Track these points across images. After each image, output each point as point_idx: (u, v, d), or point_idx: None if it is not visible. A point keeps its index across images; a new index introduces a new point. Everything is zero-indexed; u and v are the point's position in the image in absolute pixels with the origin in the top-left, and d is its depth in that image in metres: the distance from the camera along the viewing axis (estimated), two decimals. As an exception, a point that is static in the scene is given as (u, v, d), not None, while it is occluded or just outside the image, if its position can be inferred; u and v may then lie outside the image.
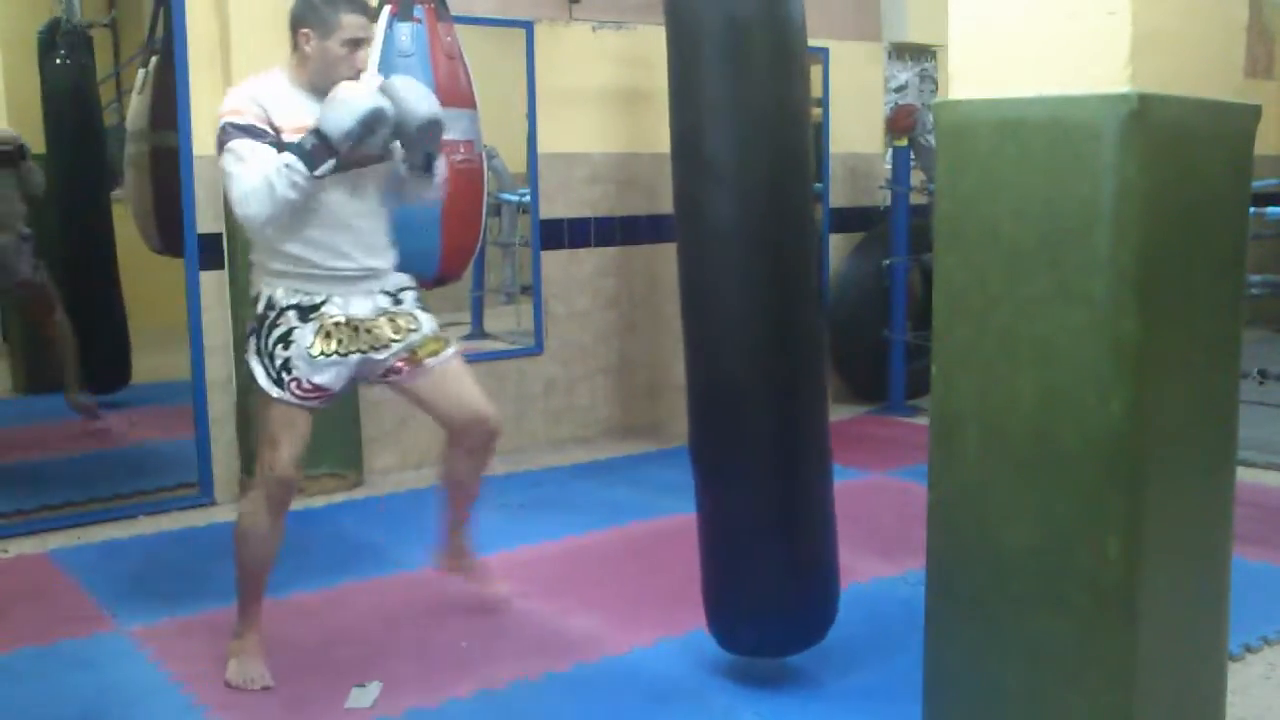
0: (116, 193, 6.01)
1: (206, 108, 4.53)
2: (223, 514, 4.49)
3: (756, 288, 2.73)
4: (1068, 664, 2.19)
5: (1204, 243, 2.22)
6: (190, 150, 4.50)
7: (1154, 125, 2.04)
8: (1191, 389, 2.24)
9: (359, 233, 2.95)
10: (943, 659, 2.41)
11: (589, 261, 5.64)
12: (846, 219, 6.54)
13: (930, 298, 2.38)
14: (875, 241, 6.38)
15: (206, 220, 4.56)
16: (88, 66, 5.96)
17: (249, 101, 2.83)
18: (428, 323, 3.08)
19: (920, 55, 6.75)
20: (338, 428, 4.79)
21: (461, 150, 3.78)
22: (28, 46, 6.20)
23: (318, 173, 2.74)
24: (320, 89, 2.85)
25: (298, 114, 2.84)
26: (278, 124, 2.81)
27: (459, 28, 4.04)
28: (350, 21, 2.83)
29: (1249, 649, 3.11)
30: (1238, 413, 2.42)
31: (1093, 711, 2.19)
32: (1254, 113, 2.32)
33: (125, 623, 3.40)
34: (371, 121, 2.75)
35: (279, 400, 2.88)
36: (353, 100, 2.74)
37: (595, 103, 5.56)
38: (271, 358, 2.87)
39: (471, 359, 5.41)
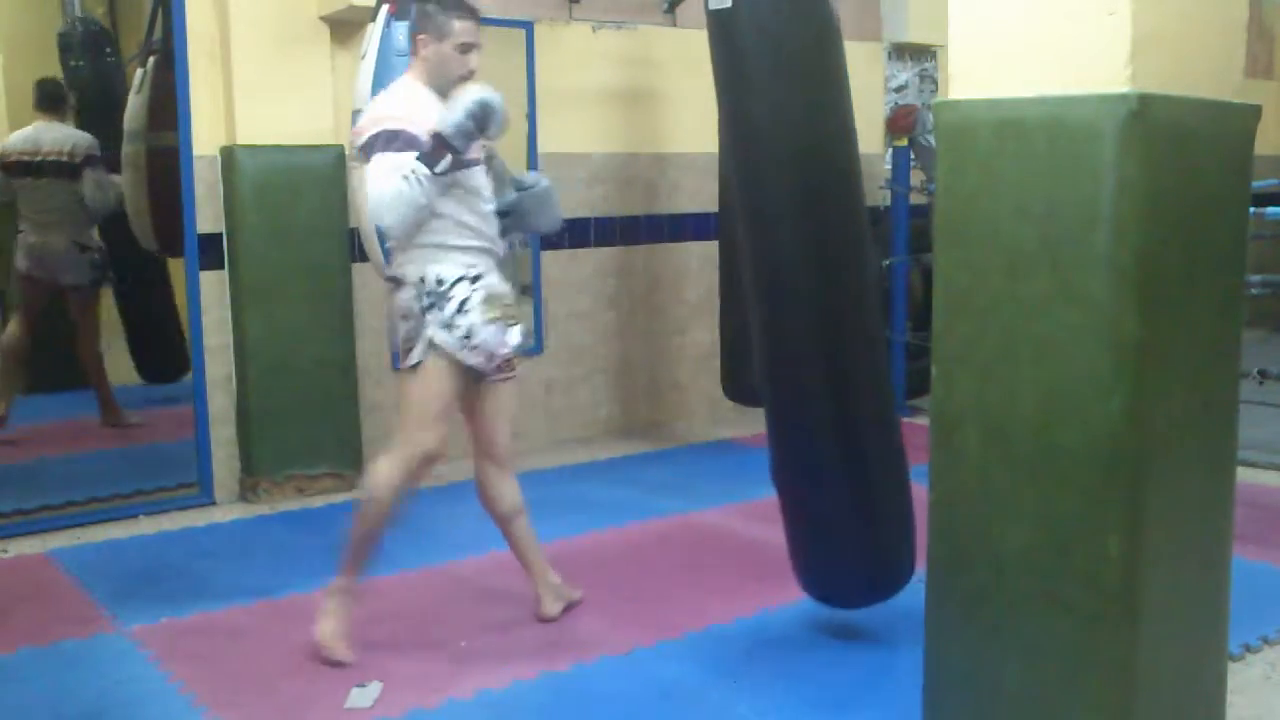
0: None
1: (206, 108, 4.54)
2: (223, 514, 4.50)
3: (811, 253, 2.88)
4: (1068, 664, 2.19)
5: (1204, 242, 2.22)
6: (190, 150, 4.51)
7: (1154, 125, 2.04)
8: (1191, 389, 2.24)
9: (493, 219, 3.17)
10: (943, 659, 2.41)
11: (589, 261, 5.64)
12: (846, 219, 6.54)
13: (930, 298, 2.38)
14: (875, 241, 6.37)
15: (206, 220, 4.56)
16: (115, 64, 5.97)
17: (394, 109, 3.01)
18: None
19: (920, 55, 6.76)
20: (338, 428, 4.79)
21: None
22: (27, 46, 6.21)
23: (438, 169, 2.91)
24: (440, 90, 3.07)
25: (432, 111, 3.01)
26: (422, 121, 2.97)
27: (459, 28, 4.04)
28: (462, 27, 3.07)
29: (1249, 649, 3.11)
30: (1238, 412, 2.42)
31: (1093, 711, 2.19)
32: (1254, 113, 2.32)
33: (125, 623, 3.40)
34: (479, 113, 2.93)
35: (454, 364, 3.05)
36: (462, 98, 2.95)
37: (595, 103, 5.57)
38: (452, 326, 3.03)
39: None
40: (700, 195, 5.81)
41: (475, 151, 3.09)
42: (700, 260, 5.89)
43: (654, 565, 3.87)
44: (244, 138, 4.53)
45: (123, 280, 5.85)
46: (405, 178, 2.89)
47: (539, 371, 5.52)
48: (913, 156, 6.22)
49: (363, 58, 4.05)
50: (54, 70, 5.92)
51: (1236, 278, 2.35)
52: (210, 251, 4.58)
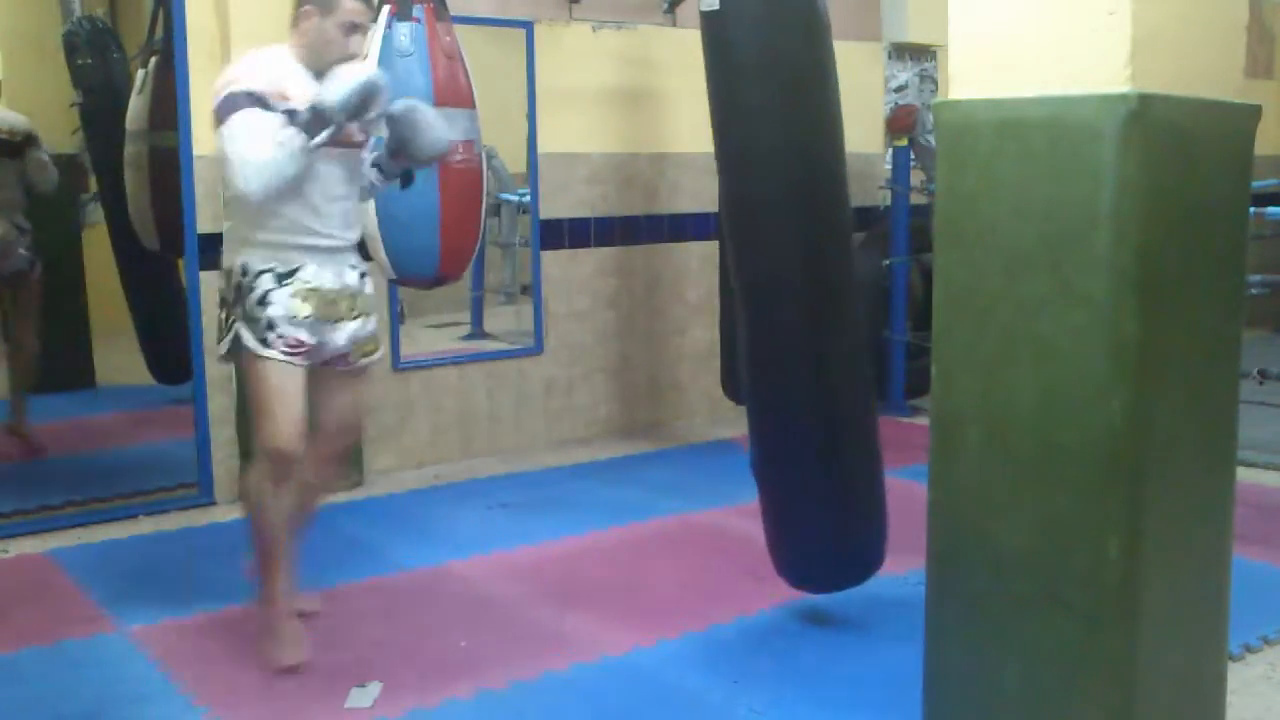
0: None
1: (206, 108, 4.51)
2: (223, 514, 4.49)
3: (796, 247, 2.93)
4: (1068, 664, 2.19)
5: (1204, 243, 2.22)
6: (190, 150, 4.50)
7: (1154, 125, 2.04)
8: (1191, 389, 2.24)
9: (337, 209, 3.02)
10: (943, 659, 2.41)
11: (589, 261, 5.64)
12: (846, 219, 6.54)
13: (930, 298, 2.38)
14: (875, 241, 6.37)
15: (206, 220, 4.56)
16: (121, 62, 5.95)
17: (259, 72, 2.89)
18: (374, 317, 3.19)
19: (920, 55, 6.75)
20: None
21: (461, 150, 3.77)
22: (27, 47, 6.20)
23: (315, 141, 2.81)
24: (316, 69, 2.93)
25: (302, 86, 2.91)
26: (291, 96, 2.87)
27: (459, 28, 4.03)
28: (350, 6, 2.92)
29: (1249, 649, 3.11)
30: (1238, 412, 2.42)
31: (1093, 711, 2.19)
32: (1254, 113, 2.32)
33: (125, 623, 3.40)
34: (366, 93, 2.83)
35: (267, 359, 2.93)
36: (349, 74, 2.84)
37: (595, 103, 5.56)
38: (254, 320, 2.93)
39: (471, 359, 5.48)
40: (700, 195, 5.81)
41: (351, 134, 2.98)
42: (700, 260, 5.89)
43: (654, 565, 3.87)
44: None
45: (134, 276, 5.75)
46: (280, 144, 2.80)
47: (539, 371, 5.52)
48: (913, 156, 6.22)
49: (364, 58, 4.05)
50: (55, 71, 5.92)
51: (1237, 278, 2.35)
52: (211, 251, 4.56)
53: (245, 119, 2.82)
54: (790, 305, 2.96)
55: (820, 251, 2.95)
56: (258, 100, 2.83)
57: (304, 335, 2.96)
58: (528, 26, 5.31)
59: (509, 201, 6.20)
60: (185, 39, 4.46)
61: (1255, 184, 2.46)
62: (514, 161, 5.70)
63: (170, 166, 4.67)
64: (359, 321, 3.09)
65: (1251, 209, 2.41)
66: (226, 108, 2.84)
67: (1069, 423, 2.13)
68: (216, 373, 4.61)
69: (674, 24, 5.66)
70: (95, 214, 6.48)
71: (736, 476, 4.78)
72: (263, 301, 2.93)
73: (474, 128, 3.90)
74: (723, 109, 2.93)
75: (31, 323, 5.20)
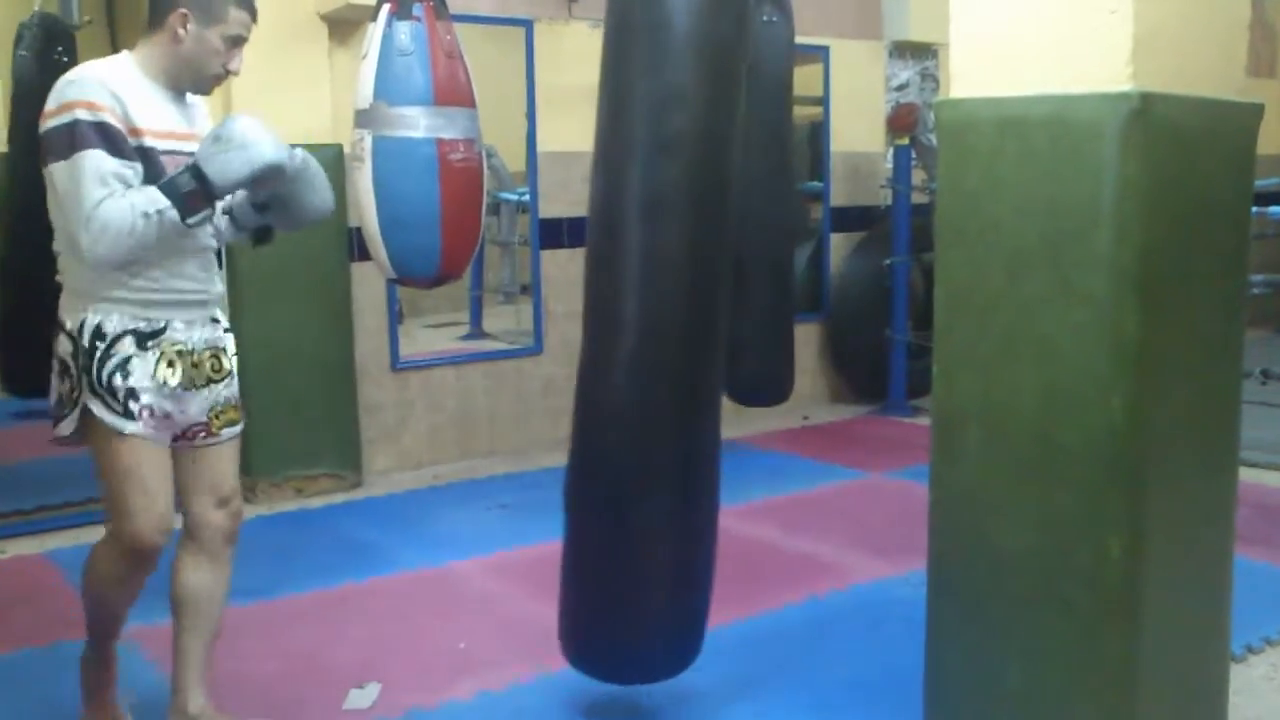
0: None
1: (205, 108, 4.52)
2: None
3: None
4: (1068, 664, 2.18)
5: (1205, 242, 2.22)
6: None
7: (1155, 124, 2.04)
8: (1193, 388, 2.23)
9: (202, 256, 2.55)
10: (943, 659, 2.41)
11: (589, 261, 5.63)
12: (847, 218, 6.54)
13: (931, 297, 2.37)
14: (876, 241, 6.37)
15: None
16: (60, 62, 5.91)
17: (103, 92, 2.32)
18: (234, 379, 2.63)
19: (921, 54, 6.75)
20: (337, 428, 4.79)
21: (461, 149, 3.77)
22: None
23: (191, 222, 2.34)
24: (179, 81, 2.47)
25: (158, 114, 2.42)
26: (137, 125, 2.35)
27: (459, 26, 4.03)
28: (238, 17, 2.46)
29: (1251, 650, 3.11)
30: (1239, 412, 2.42)
31: (1094, 712, 2.18)
32: (1256, 111, 2.31)
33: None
34: (267, 178, 2.39)
35: (130, 437, 2.40)
36: (254, 148, 2.32)
37: (595, 101, 5.54)
38: (112, 391, 2.38)
39: (471, 359, 5.48)
40: (700, 194, 5.80)
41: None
42: (700, 259, 5.88)
43: (654, 565, 3.86)
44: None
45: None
46: (146, 215, 2.27)
47: (539, 371, 5.52)
48: (914, 155, 6.22)
49: (364, 57, 4.04)
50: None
51: (1238, 277, 2.35)
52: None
53: (97, 165, 2.27)
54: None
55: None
56: (110, 138, 2.29)
57: (169, 406, 2.46)
58: (527, 25, 5.31)
59: (508, 200, 6.20)
60: (184, 38, 4.45)
61: (1257, 183, 2.45)
62: (514, 160, 5.70)
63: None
64: (222, 384, 2.57)
65: (1254, 208, 2.41)
66: (66, 140, 2.28)
67: (1070, 422, 2.13)
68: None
69: (674, 23, 5.65)
70: None
71: (736, 476, 4.77)
72: (122, 370, 2.39)
73: (474, 127, 3.90)
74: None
75: None
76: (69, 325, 2.42)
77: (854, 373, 6.45)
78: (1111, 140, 2.03)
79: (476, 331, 6.36)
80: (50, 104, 2.34)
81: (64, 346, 2.43)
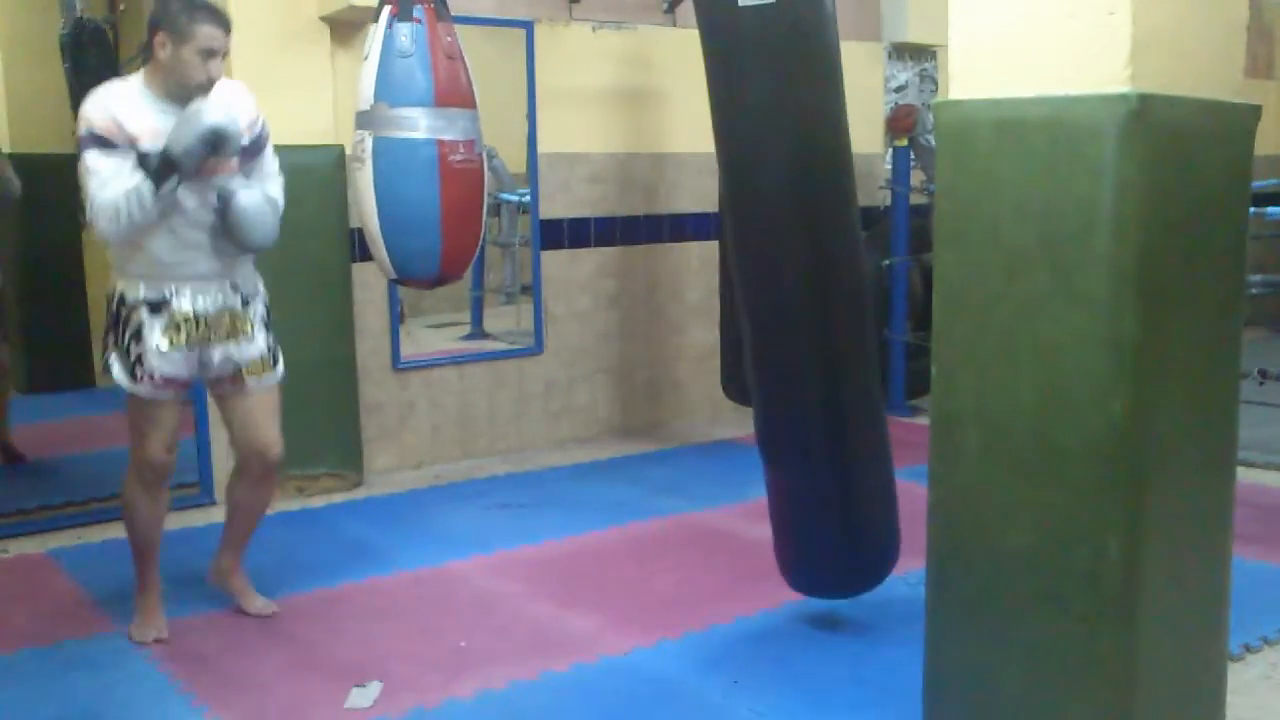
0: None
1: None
2: (223, 514, 4.48)
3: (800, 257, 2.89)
4: (1068, 664, 2.19)
5: (1204, 242, 2.22)
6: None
7: (1154, 125, 2.04)
8: (1191, 389, 2.24)
9: (207, 237, 3.04)
10: (943, 659, 2.41)
11: (589, 261, 5.64)
12: (846, 219, 6.54)
13: (930, 298, 2.37)
14: (875, 241, 6.36)
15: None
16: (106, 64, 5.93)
17: (101, 111, 2.91)
18: (262, 340, 3.21)
19: (920, 55, 6.75)
20: (338, 428, 4.79)
21: (461, 150, 3.77)
22: (28, 46, 6.20)
23: (162, 191, 2.85)
24: (175, 95, 2.94)
25: (152, 121, 2.92)
26: (132, 132, 2.89)
27: (459, 28, 4.03)
28: (205, 32, 2.89)
29: (1249, 649, 3.11)
30: (1238, 412, 2.42)
31: (1093, 711, 2.19)
32: (1254, 112, 2.32)
33: (125, 623, 3.40)
34: (212, 139, 2.84)
35: (133, 393, 3.06)
36: (194, 119, 2.83)
37: (595, 103, 5.56)
38: (126, 353, 3.03)
39: (471, 359, 5.48)
40: (700, 195, 5.81)
41: (214, 167, 2.98)
42: (700, 260, 5.89)
43: (654, 565, 3.87)
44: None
45: None
46: (127, 193, 2.84)
47: (539, 371, 5.53)
48: (913, 156, 6.22)
49: (365, 59, 4.05)
50: (55, 71, 5.93)
51: (1237, 277, 2.35)
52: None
53: (92, 162, 2.88)
54: (794, 298, 2.90)
55: (828, 242, 2.92)
56: (100, 141, 2.88)
57: (172, 370, 3.05)
58: (528, 26, 5.31)
59: (509, 201, 6.20)
60: (185, 39, 4.46)
61: (1255, 184, 2.46)
62: (514, 161, 5.70)
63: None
64: (240, 343, 3.15)
65: (1251, 209, 2.41)
66: (79, 147, 2.92)
67: (1069, 423, 2.13)
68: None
69: (674, 24, 5.66)
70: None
71: (736, 476, 4.79)
72: (136, 336, 3.02)
73: (475, 128, 3.90)
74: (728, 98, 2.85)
75: (6, 340, 5.18)
76: (107, 291, 3.09)
77: (853, 373, 6.45)
78: (1110, 141, 2.04)
79: (477, 332, 6.35)
80: (80, 115, 2.95)
81: (106, 308, 3.09)
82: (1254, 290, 5.40)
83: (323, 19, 4.64)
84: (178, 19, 2.88)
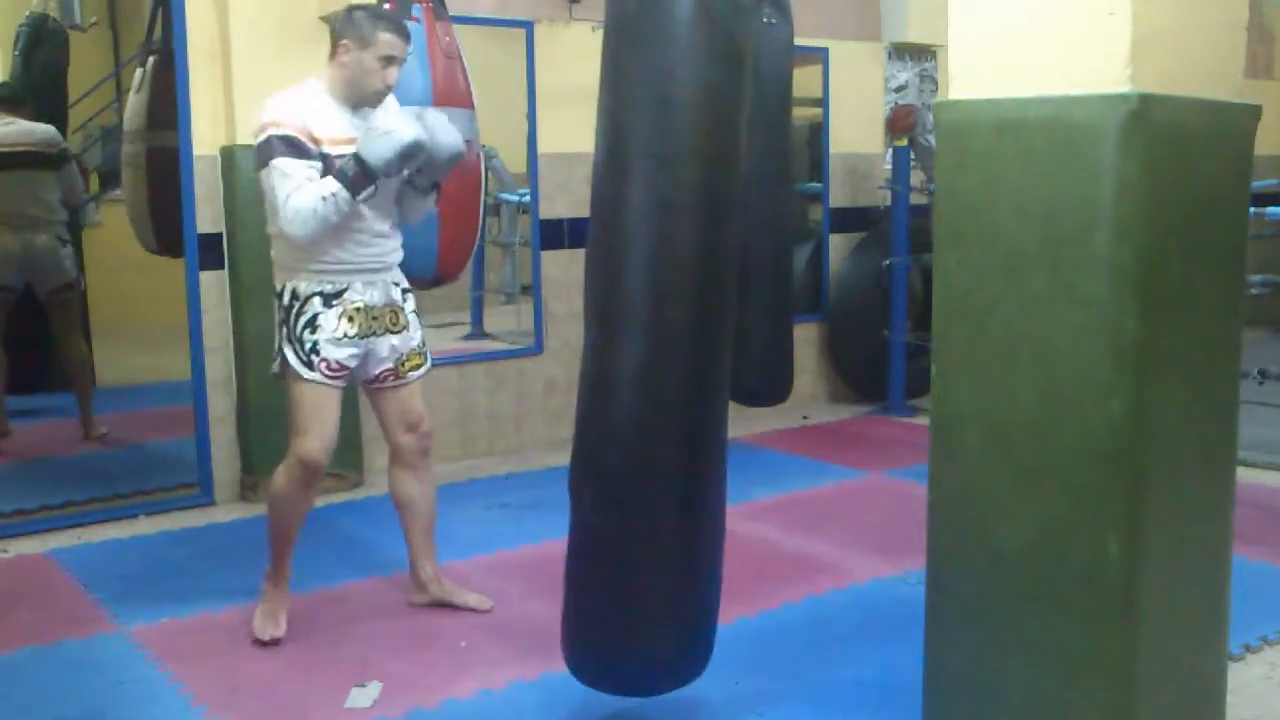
0: (116, 193, 6.01)
1: (206, 107, 4.53)
2: (223, 514, 4.49)
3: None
4: (1068, 664, 2.19)
5: (1204, 242, 2.22)
6: (190, 150, 4.50)
7: (1154, 125, 2.04)
8: (1191, 389, 2.24)
9: (378, 231, 3.17)
10: (943, 659, 2.41)
11: (589, 261, 5.63)
12: (846, 219, 6.55)
13: (930, 298, 2.37)
14: (875, 241, 6.38)
15: (205, 221, 4.56)
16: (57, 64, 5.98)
17: (290, 113, 3.03)
18: (417, 332, 3.33)
19: (920, 55, 6.75)
20: (338, 428, 4.78)
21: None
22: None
23: (360, 198, 3.00)
24: (353, 100, 3.11)
25: (336, 126, 3.08)
26: (317, 135, 3.03)
27: (459, 27, 4.04)
28: (386, 39, 3.05)
29: (1249, 649, 3.11)
30: (1238, 412, 2.42)
31: (1093, 711, 2.19)
32: (1254, 113, 2.32)
33: (125, 623, 3.40)
34: (411, 153, 2.99)
35: (310, 381, 3.11)
36: (395, 133, 2.96)
37: (595, 102, 5.55)
38: (301, 342, 3.11)
39: (471, 359, 5.48)
40: (700, 195, 5.80)
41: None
42: (700, 260, 5.88)
43: (654, 565, 3.87)
44: (244, 138, 4.51)
45: None
46: (324, 199, 2.96)
47: (539, 371, 5.52)
48: (913, 156, 6.22)
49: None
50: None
51: (1237, 277, 2.35)
52: (210, 251, 4.58)
53: (285, 166, 2.98)
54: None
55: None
56: (293, 145, 2.99)
57: (345, 358, 3.14)
58: (528, 26, 5.31)
59: (509, 201, 6.20)
60: (185, 39, 4.46)
61: (1255, 184, 2.46)
62: (514, 161, 5.71)
63: (168, 166, 4.67)
64: (402, 335, 3.26)
65: (1252, 209, 2.41)
66: (265, 152, 3.00)
67: (1069, 423, 2.13)
68: (216, 373, 4.62)
69: (674, 24, 5.66)
70: (96, 215, 6.48)
71: (736, 476, 4.78)
72: (310, 325, 3.10)
73: (472, 127, 3.91)
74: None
75: (79, 334, 5.40)
76: (278, 289, 3.16)
77: (853, 373, 6.46)
78: (1110, 141, 2.04)
79: (477, 332, 6.36)
80: (255, 125, 3.06)
81: (276, 305, 3.16)
82: (1254, 290, 5.40)
83: (322, 19, 4.64)
84: (362, 26, 3.05)
